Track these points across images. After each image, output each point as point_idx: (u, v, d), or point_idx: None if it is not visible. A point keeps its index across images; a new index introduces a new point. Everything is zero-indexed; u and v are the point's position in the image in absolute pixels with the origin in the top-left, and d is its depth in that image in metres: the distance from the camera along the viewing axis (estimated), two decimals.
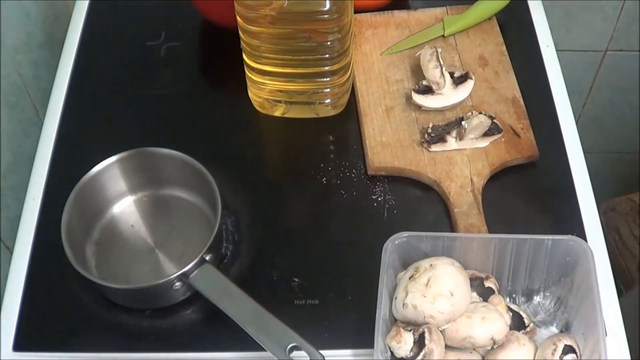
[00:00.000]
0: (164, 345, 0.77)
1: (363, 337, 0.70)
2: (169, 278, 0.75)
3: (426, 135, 0.88)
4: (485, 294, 0.74)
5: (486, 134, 0.87)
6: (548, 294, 0.76)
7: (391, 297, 0.72)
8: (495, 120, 0.87)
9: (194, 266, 0.75)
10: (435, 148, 0.87)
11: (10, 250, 0.87)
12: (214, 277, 0.75)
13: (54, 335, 0.78)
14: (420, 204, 0.86)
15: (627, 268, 1.36)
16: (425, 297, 0.68)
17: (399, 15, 1.02)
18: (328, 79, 0.88)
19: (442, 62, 0.90)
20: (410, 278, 0.71)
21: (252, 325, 0.72)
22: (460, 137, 0.87)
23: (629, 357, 0.76)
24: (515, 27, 1.01)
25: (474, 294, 0.73)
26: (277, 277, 0.81)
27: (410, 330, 0.68)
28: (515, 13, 1.02)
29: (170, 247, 0.83)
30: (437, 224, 0.84)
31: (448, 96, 0.90)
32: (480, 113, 0.87)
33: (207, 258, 0.76)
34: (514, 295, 0.77)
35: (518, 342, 0.69)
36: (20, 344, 0.77)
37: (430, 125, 0.88)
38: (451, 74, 0.91)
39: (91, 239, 0.83)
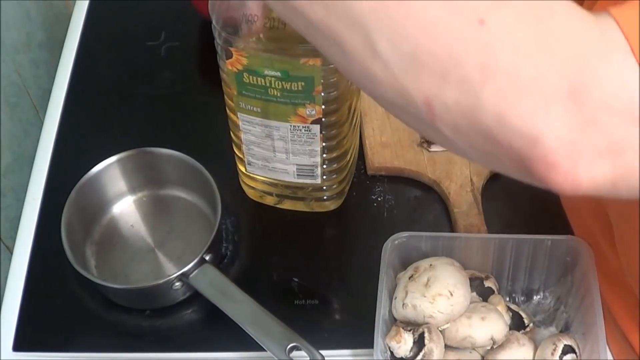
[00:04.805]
0: (164, 345, 0.77)
1: (363, 337, 0.70)
2: (169, 278, 0.75)
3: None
4: (485, 294, 0.74)
5: None
6: (548, 293, 0.76)
7: (391, 297, 0.72)
8: None
9: (194, 266, 0.75)
10: (435, 148, 0.87)
11: (10, 250, 0.87)
12: (214, 277, 0.75)
13: (54, 335, 0.78)
14: (420, 204, 0.86)
15: None
16: (424, 297, 0.68)
17: None
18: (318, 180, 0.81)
19: None
20: (409, 278, 0.71)
21: (252, 325, 0.72)
22: None
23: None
24: None
25: (474, 294, 0.73)
26: (277, 277, 0.81)
27: (410, 330, 0.68)
28: None
29: (170, 247, 0.83)
30: (437, 224, 0.84)
31: None
32: None
33: (207, 258, 0.76)
34: (513, 295, 0.77)
35: (518, 342, 0.69)
36: (20, 344, 0.77)
37: None
38: None
39: (91, 239, 0.83)
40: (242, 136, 0.77)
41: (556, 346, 0.68)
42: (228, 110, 0.77)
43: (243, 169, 0.83)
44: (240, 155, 0.81)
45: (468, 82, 0.39)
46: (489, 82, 0.39)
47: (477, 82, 0.39)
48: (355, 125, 0.80)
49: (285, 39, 0.66)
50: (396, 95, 0.43)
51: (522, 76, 0.38)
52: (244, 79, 0.70)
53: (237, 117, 0.75)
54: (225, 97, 0.75)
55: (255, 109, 0.73)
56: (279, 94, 0.70)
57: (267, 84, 0.69)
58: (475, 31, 0.39)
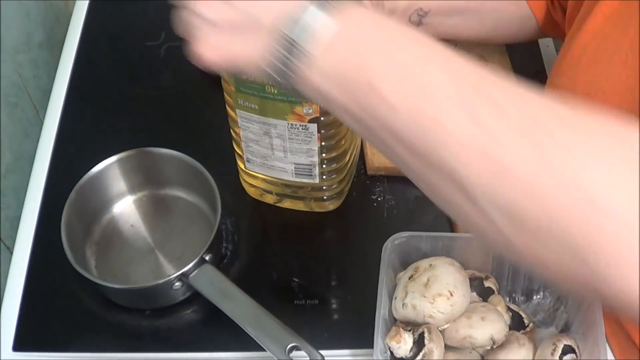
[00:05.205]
0: (164, 345, 0.77)
1: (363, 337, 0.70)
2: (169, 278, 0.75)
3: None
4: (485, 294, 0.74)
5: None
6: (548, 293, 0.76)
7: (391, 297, 0.72)
8: None
9: (194, 266, 0.75)
10: None
11: (10, 250, 0.87)
12: (214, 277, 0.75)
13: (54, 335, 0.78)
14: (420, 204, 0.86)
15: None
16: (424, 297, 0.68)
17: None
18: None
19: None
20: (409, 278, 0.71)
21: (252, 325, 0.72)
22: None
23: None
24: None
25: (474, 294, 0.73)
26: (277, 277, 0.81)
27: (409, 330, 0.68)
28: None
29: (170, 247, 0.83)
30: (437, 224, 0.84)
31: None
32: None
33: (207, 258, 0.76)
34: (513, 295, 0.77)
35: (518, 342, 0.69)
36: (20, 344, 0.77)
37: None
38: None
39: (91, 239, 0.83)
40: (241, 133, 0.77)
41: (556, 346, 0.68)
42: (227, 107, 0.77)
43: (242, 166, 0.83)
44: (240, 152, 0.81)
45: (572, 248, 0.39)
46: (596, 252, 0.38)
47: (583, 252, 0.38)
48: None
49: None
50: (493, 236, 0.43)
51: (628, 245, 0.38)
52: (242, 76, 0.70)
53: (236, 114, 0.75)
54: (225, 94, 0.75)
55: (253, 106, 0.73)
56: (275, 92, 0.70)
57: (264, 81, 0.69)
58: (571, 197, 0.38)
